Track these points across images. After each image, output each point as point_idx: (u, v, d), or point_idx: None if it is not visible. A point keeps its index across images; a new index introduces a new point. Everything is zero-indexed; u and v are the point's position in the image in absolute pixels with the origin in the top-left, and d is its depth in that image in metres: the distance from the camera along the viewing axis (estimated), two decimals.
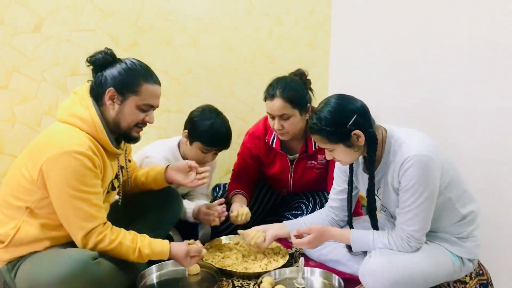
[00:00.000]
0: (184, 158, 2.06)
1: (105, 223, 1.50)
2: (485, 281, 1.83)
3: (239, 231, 1.86)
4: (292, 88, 1.92)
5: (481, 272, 1.85)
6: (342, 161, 1.61)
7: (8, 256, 1.48)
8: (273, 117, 1.96)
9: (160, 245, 1.57)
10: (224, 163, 2.70)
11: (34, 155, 1.46)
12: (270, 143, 2.10)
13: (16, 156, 2.01)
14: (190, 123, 2.00)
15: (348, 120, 1.50)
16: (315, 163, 2.10)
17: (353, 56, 2.88)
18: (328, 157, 1.62)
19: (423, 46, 2.41)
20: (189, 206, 1.99)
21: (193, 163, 1.78)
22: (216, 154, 2.03)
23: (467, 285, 1.76)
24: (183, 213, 1.97)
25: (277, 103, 1.90)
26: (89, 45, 2.15)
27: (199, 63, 2.54)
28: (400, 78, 2.57)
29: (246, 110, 2.78)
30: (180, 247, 1.61)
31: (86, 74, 2.14)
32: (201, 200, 2.13)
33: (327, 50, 3.06)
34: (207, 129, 1.93)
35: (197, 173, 1.78)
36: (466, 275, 1.76)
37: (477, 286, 1.81)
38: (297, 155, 2.10)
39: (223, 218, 1.95)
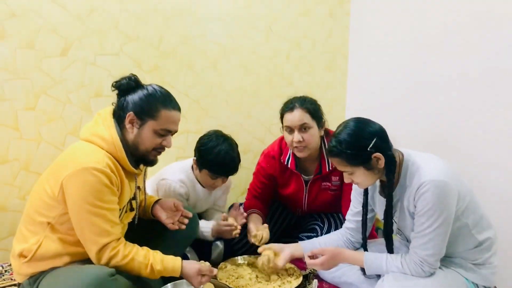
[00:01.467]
0: (198, 180, 2.11)
1: (119, 239, 1.55)
2: None
3: (260, 249, 1.87)
4: (310, 101, 2.02)
5: None
6: (360, 183, 1.62)
7: (30, 270, 1.54)
8: (291, 131, 2.00)
9: (172, 262, 1.61)
10: (241, 183, 2.74)
11: (56, 172, 1.53)
12: (286, 163, 2.13)
13: (40, 174, 2.09)
14: (197, 152, 2.04)
15: (369, 143, 1.52)
16: (330, 184, 2.12)
17: (371, 79, 2.91)
18: (347, 180, 1.63)
19: (441, 70, 2.42)
20: (207, 225, 2.03)
21: (179, 205, 1.82)
22: (225, 179, 2.07)
23: None
24: (201, 233, 2.00)
25: (297, 113, 1.97)
26: (113, 68, 2.24)
27: (218, 86, 2.61)
28: (417, 102, 2.58)
29: (264, 131, 2.83)
30: (192, 265, 1.64)
31: (109, 95, 2.21)
32: (217, 218, 2.16)
33: (344, 73, 3.10)
34: (213, 158, 1.97)
35: (181, 215, 1.81)
36: None
37: None
38: (312, 176, 2.13)
39: (243, 221, 2.03)
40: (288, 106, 2.01)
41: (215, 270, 1.68)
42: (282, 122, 2.07)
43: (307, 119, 1.98)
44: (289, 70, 2.86)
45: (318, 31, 2.94)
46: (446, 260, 1.62)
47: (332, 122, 2.06)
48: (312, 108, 2.00)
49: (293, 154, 2.10)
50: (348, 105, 3.06)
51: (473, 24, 2.24)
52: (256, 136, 2.81)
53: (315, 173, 2.11)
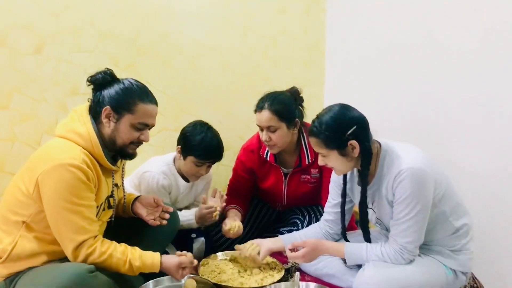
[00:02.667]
0: (180, 173, 2.10)
1: (96, 236, 1.52)
2: None
3: (236, 246, 1.88)
4: (280, 102, 1.99)
5: (475, 286, 1.85)
6: (334, 169, 1.65)
7: (6, 271, 1.50)
8: (262, 129, 2.02)
9: (151, 258, 1.59)
10: (221, 180, 2.73)
11: (31, 169, 1.50)
12: (264, 156, 2.14)
13: (14, 175, 2.04)
14: (182, 139, 2.06)
15: (348, 129, 1.55)
16: (309, 177, 2.14)
17: (348, 75, 2.94)
18: (321, 162, 1.65)
19: (417, 64, 2.47)
20: (189, 213, 2.05)
21: (159, 201, 1.81)
22: (209, 167, 2.07)
23: None
24: (185, 222, 2.01)
25: (265, 115, 1.97)
26: (89, 65, 2.21)
27: (196, 83, 2.60)
28: (394, 97, 2.62)
29: (243, 128, 2.83)
30: (171, 259, 1.63)
31: (85, 94, 2.18)
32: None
33: (322, 70, 3.13)
34: (199, 143, 1.99)
35: (162, 210, 1.80)
36: None
37: None
38: (291, 169, 2.14)
39: (224, 204, 2.07)
40: (259, 105, 2.01)
41: (195, 261, 1.67)
42: None
43: (273, 121, 1.97)
44: (267, 67, 2.87)
45: (295, 28, 2.96)
46: (425, 248, 1.65)
47: (310, 119, 2.06)
48: (281, 109, 1.97)
49: None
50: (326, 101, 3.09)
51: (450, 16, 2.29)
52: (235, 134, 2.81)
53: (295, 166, 2.13)
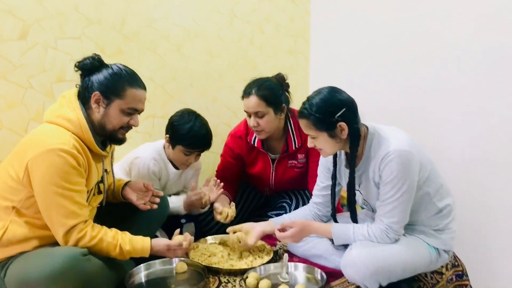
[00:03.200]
0: (170, 160, 2.12)
1: (86, 221, 1.54)
2: (460, 272, 1.92)
3: (228, 229, 1.91)
4: (267, 87, 2.01)
5: (456, 263, 1.93)
6: (322, 150, 1.68)
7: None
8: (249, 115, 2.04)
9: (141, 242, 1.61)
10: (209, 167, 2.75)
11: (20, 154, 1.50)
12: (252, 142, 2.17)
13: (2, 161, 2.03)
14: (170, 128, 2.06)
15: (337, 111, 1.58)
16: (296, 162, 2.17)
17: (333, 62, 2.98)
18: (310, 144, 1.69)
19: (403, 52, 2.52)
20: (177, 199, 2.06)
21: (149, 185, 1.82)
22: (198, 155, 2.09)
23: (444, 276, 1.85)
24: (173, 208, 2.02)
25: (252, 100, 1.99)
26: (75, 52, 2.19)
27: (183, 70, 2.60)
28: (378, 83, 2.67)
29: (230, 115, 2.84)
30: (161, 242, 1.66)
31: (72, 80, 2.19)
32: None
33: (307, 57, 3.15)
34: (187, 132, 1.99)
35: (152, 195, 1.82)
36: (442, 266, 1.84)
37: (453, 276, 1.90)
38: (278, 154, 2.17)
39: (220, 192, 2.08)
40: (246, 91, 2.03)
41: (185, 243, 1.70)
42: None
43: (261, 107, 2.00)
44: (253, 54, 2.89)
45: (280, 15, 2.97)
46: (409, 228, 1.70)
47: (296, 106, 2.09)
48: (268, 94, 2.00)
49: None
50: (311, 88, 3.12)
51: (437, 5, 2.34)
52: (222, 120, 2.82)
53: (282, 152, 2.16)
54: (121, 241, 1.57)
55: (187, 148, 2.01)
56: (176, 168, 2.15)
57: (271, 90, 2.02)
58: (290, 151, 2.14)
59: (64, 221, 1.48)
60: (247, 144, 2.20)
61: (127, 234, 1.60)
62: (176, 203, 2.06)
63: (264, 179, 2.25)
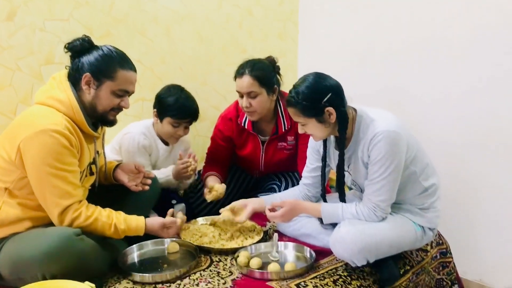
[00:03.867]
0: (159, 136, 2.14)
1: (80, 201, 1.55)
2: (444, 250, 1.98)
3: (221, 210, 1.93)
4: (261, 68, 2.04)
5: (440, 242, 1.99)
6: (313, 135, 1.72)
7: None
8: (241, 96, 2.06)
9: (136, 221, 1.64)
10: (198, 150, 2.75)
11: (12, 136, 1.51)
12: (242, 125, 2.19)
13: None
14: (157, 102, 2.10)
15: (323, 96, 1.61)
16: (285, 144, 2.20)
17: (321, 46, 3.00)
18: (300, 130, 1.72)
19: (392, 36, 2.55)
20: (166, 171, 2.10)
21: (140, 167, 1.85)
22: (187, 127, 2.11)
23: (429, 253, 1.91)
24: (164, 180, 2.06)
25: (246, 80, 2.01)
26: (63, 34, 2.17)
27: (172, 53, 2.60)
28: (367, 67, 2.70)
29: (219, 99, 2.85)
30: (155, 220, 1.70)
31: (61, 63, 2.18)
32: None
33: (295, 41, 3.17)
34: (173, 103, 2.04)
35: (144, 176, 1.84)
36: (427, 244, 1.90)
37: (438, 254, 1.96)
38: (268, 137, 2.20)
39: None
40: (239, 71, 2.05)
41: (178, 220, 1.73)
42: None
43: (254, 87, 2.02)
44: (243, 38, 2.89)
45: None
46: (396, 207, 1.75)
47: (285, 89, 2.11)
48: (261, 75, 2.02)
49: None
50: (300, 72, 3.14)
51: None
52: (211, 104, 2.83)
53: (272, 134, 2.19)
54: (116, 220, 1.59)
55: (174, 119, 2.04)
56: (166, 144, 2.16)
57: (264, 71, 2.04)
58: (280, 133, 2.17)
59: (59, 201, 1.49)
60: (237, 126, 2.22)
61: (121, 214, 1.63)
62: (165, 173, 2.09)
63: (254, 161, 2.27)
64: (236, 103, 2.24)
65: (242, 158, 2.31)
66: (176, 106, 2.03)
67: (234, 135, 2.23)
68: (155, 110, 2.10)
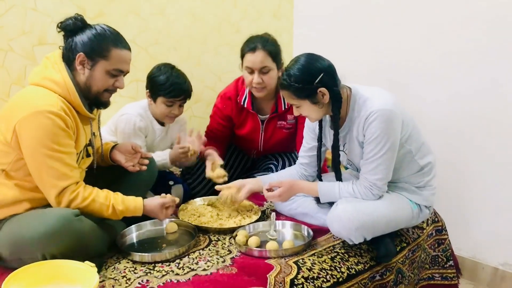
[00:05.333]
0: (155, 117, 2.13)
1: (77, 182, 1.55)
2: (440, 227, 2.01)
3: (217, 187, 1.94)
4: (272, 43, 2.02)
5: (436, 219, 2.02)
6: (308, 116, 1.72)
7: None
8: (252, 72, 2.02)
9: (134, 202, 1.64)
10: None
11: (7, 117, 1.49)
12: (242, 103, 2.18)
13: None
14: (149, 82, 2.08)
15: (315, 78, 1.60)
16: (285, 123, 2.19)
17: (317, 25, 2.97)
18: (296, 113, 1.72)
19: (385, 11, 2.53)
20: (163, 154, 2.09)
21: (137, 147, 1.84)
22: (181, 106, 2.09)
23: (424, 231, 1.93)
24: (161, 163, 2.05)
25: (259, 55, 1.97)
26: (56, 14, 2.13)
27: (166, 33, 2.57)
28: (361, 44, 2.69)
29: (214, 80, 2.84)
30: (154, 201, 1.70)
31: (54, 43, 2.14)
32: None
33: (290, 20, 3.14)
34: (165, 81, 2.01)
35: (141, 157, 1.84)
36: (423, 222, 1.92)
37: (433, 231, 1.99)
38: (268, 115, 2.19)
39: (201, 147, 2.10)
40: (250, 46, 2.00)
41: (177, 199, 1.74)
42: (242, 61, 2.06)
43: (268, 62, 1.99)
44: (237, 17, 2.86)
45: None
46: (392, 185, 1.77)
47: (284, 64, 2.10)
48: (274, 50, 2.00)
49: (250, 94, 2.14)
50: (295, 51, 3.12)
51: None
52: (207, 85, 2.81)
53: (271, 112, 2.18)
54: (114, 201, 1.59)
55: (167, 98, 2.02)
56: (162, 124, 2.16)
57: (275, 46, 2.02)
58: (280, 111, 2.16)
59: (56, 183, 1.49)
60: (236, 105, 2.20)
61: (119, 195, 1.62)
62: (161, 156, 2.08)
63: (253, 140, 2.27)
64: (236, 82, 2.23)
65: (241, 138, 2.30)
66: (168, 85, 2.01)
67: (233, 114, 2.22)
68: (148, 91, 2.08)
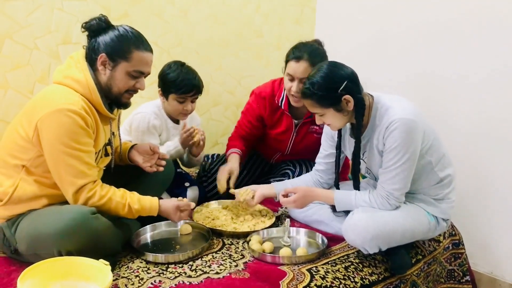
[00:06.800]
0: (169, 115, 2.15)
1: (95, 181, 1.56)
2: (457, 241, 1.97)
3: (231, 190, 1.94)
4: (319, 55, 1.96)
5: (453, 232, 1.98)
6: (332, 125, 1.70)
7: (7, 213, 1.54)
8: (292, 79, 1.99)
9: (149, 201, 1.65)
10: (211, 136, 2.78)
11: (29, 114, 1.52)
12: (279, 104, 2.15)
13: (9, 122, 2.04)
14: (160, 80, 2.10)
15: (339, 85, 1.59)
16: (317, 128, 2.15)
17: (339, 32, 2.96)
18: (318, 121, 1.70)
19: (409, 20, 2.51)
20: (173, 142, 2.12)
21: (155, 148, 1.84)
22: (193, 102, 2.10)
23: (441, 244, 1.90)
24: (174, 151, 2.08)
25: (302, 66, 1.94)
26: (81, 14, 2.17)
27: (188, 36, 2.59)
28: (384, 52, 2.67)
29: (234, 84, 2.85)
30: (170, 202, 1.70)
31: (78, 43, 2.18)
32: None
33: (312, 27, 3.13)
34: (175, 78, 2.02)
35: (159, 158, 1.84)
36: (440, 235, 1.89)
37: (450, 245, 1.95)
38: (301, 120, 2.17)
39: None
40: (296, 54, 1.97)
41: (192, 204, 1.74)
42: (285, 65, 2.03)
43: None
44: (259, 22, 2.87)
45: None
46: (410, 196, 1.74)
47: None
48: (319, 62, 1.88)
49: (287, 97, 2.11)
50: None
51: None
52: (225, 89, 2.83)
53: (306, 116, 2.15)
54: (130, 200, 1.60)
55: (179, 94, 2.03)
56: (176, 122, 2.17)
57: (321, 58, 1.96)
58: (314, 117, 2.14)
59: (74, 181, 1.51)
60: (270, 105, 2.18)
61: (135, 194, 1.64)
62: (173, 145, 2.09)
63: (283, 141, 2.24)
64: (272, 82, 2.22)
65: (271, 139, 2.27)
66: (178, 81, 2.02)
67: (266, 114, 2.20)
68: (160, 89, 2.10)
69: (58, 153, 1.48)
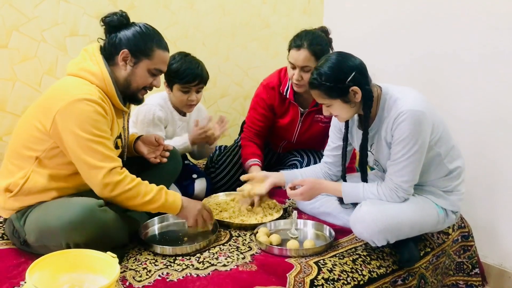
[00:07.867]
0: (175, 107, 2.15)
1: (122, 167, 1.55)
2: (466, 233, 1.96)
3: (242, 177, 1.93)
4: (319, 43, 1.96)
5: (463, 225, 1.97)
6: (339, 116, 1.68)
7: (17, 204, 1.55)
8: (294, 67, 2.00)
9: (173, 196, 1.62)
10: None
11: (46, 106, 1.52)
12: (284, 94, 2.15)
13: (18, 115, 2.06)
14: (165, 72, 2.07)
15: (347, 76, 1.57)
16: (322, 116, 2.15)
17: (347, 23, 2.93)
18: (325, 112, 1.69)
19: (417, 11, 2.47)
20: (182, 138, 2.10)
21: (160, 139, 1.84)
22: (198, 92, 2.08)
23: (450, 236, 1.88)
24: (182, 147, 2.07)
25: (303, 54, 1.94)
26: (88, 6, 2.17)
27: (195, 27, 2.58)
28: (392, 43, 2.64)
29: (241, 75, 2.83)
30: (195, 203, 1.68)
31: (85, 35, 2.19)
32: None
33: (320, 17, 3.10)
34: (179, 68, 2.01)
35: (164, 149, 1.84)
36: (449, 227, 1.87)
37: (459, 237, 1.94)
38: (307, 109, 2.17)
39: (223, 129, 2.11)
40: (297, 43, 1.96)
41: (213, 219, 1.74)
42: (288, 53, 2.03)
43: (310, 62, 1.95)
44: (266, 13, 2.84)
45: None
46: (418, 188, 1.72)
47: None
48: (319, 51, 1.94)
49: (292, 86, 2.11)
50: None
51: None
52: (233, 80, 2.82)
53: (312, 105, 2.15)
54: (156, 188, 1.57)
55: (182, 84, 2.02)
56: (183, 114, 2.17)
57: (322, 46, 1.96)
58: (320, 105, 2.13)
59: (102, 165, 1.48)
60: (280, 95, 2.17)
61: (161, 186, 1.62)
62: (181, 141, 2.08)
63: (289, 130, 2.23)
64: (278, 71, 2.21)
65: (278, 128, 2.26)
66: (181, 71, 2.01)
67: (276, 104, 2.19)
68: (165, 81, 2.09)
69: (82, 141, 1.46)
